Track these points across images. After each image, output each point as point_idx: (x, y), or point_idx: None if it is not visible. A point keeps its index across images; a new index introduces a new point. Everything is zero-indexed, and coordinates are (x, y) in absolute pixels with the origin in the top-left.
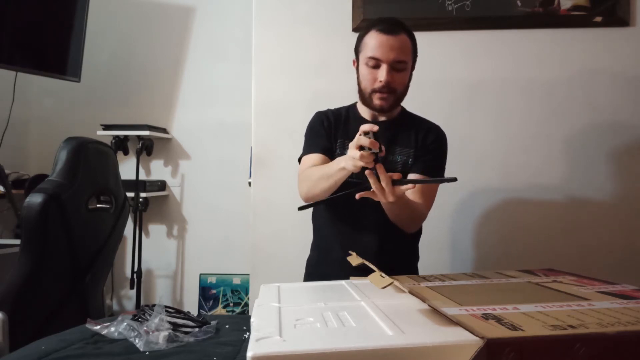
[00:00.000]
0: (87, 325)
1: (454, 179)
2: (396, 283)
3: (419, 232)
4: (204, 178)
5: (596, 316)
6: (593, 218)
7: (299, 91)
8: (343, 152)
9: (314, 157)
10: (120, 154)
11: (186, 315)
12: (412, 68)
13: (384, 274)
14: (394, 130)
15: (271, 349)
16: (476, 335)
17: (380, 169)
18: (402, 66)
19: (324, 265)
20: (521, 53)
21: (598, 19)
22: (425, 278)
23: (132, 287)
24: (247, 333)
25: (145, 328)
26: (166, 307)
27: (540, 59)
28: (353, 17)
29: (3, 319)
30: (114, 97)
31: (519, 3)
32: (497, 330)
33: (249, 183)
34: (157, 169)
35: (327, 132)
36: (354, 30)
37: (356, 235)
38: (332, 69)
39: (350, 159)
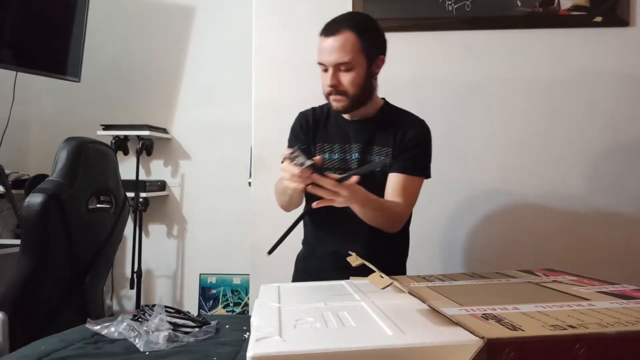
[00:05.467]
0: (87, 325)
1: (384, 164)
2: (396, 283)
3: (405, 231)
4: (203, 178)
5: (596, 316)
6: (593, 217)
7: (299, 91)
8: (322, 155)
9: None
10: (120, 154)
11: (186, 315)
12: (370, 65)
13: (383, 275)
14: (371, 129)
15: (271, 349)
16: (476, 336)
17: (317, 178)
18: (346, 67)
19: (310, 260)
20: (521, 53)
21: (598, 19)
22: (425, 278)
23: (132, 287)
24: (247, 333)
25: (145, 328)
26: (166, 307)
27: (540, 59)
28: None
29: (3, 319)
30: (114, 97)
31: (519, 3)
32: (497, 330)
33: (249, 183)
34: (157, 169)
35: (306, 136)
36: None
37: (339, 235)
38: None
39: (286, 181)
